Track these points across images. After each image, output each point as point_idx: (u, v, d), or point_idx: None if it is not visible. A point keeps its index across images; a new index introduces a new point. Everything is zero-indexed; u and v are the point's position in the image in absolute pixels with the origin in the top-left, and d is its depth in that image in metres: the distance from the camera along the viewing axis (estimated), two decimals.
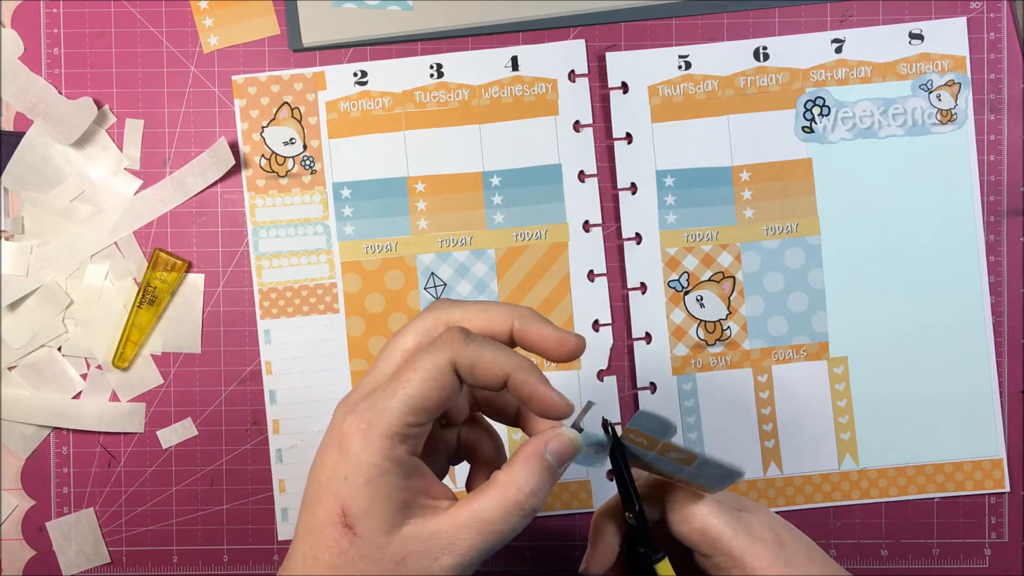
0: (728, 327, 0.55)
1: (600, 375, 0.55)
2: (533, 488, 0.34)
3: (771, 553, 0.37)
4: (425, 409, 0.34)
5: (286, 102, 0.54)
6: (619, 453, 0.37)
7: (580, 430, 0.36)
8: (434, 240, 0.55)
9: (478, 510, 0.34)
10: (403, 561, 0.34)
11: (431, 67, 0.54)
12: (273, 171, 0.55)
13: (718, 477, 0.37)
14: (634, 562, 0.39)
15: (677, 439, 0.54)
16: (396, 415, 0.34)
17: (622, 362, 0.55)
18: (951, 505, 0.55)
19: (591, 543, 0.40)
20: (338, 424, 0.35)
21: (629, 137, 0.54)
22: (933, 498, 0.55)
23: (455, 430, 0.39)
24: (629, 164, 0.54)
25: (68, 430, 0.55)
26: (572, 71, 0.54)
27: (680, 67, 0.54)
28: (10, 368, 0.54)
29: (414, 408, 0.34)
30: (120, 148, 0.55)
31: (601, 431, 0.37)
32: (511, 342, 0.37)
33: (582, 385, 0.55)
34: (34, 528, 0.55)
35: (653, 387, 0.55)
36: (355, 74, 0.54)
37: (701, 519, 0.38)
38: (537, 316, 0.37)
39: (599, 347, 0.55)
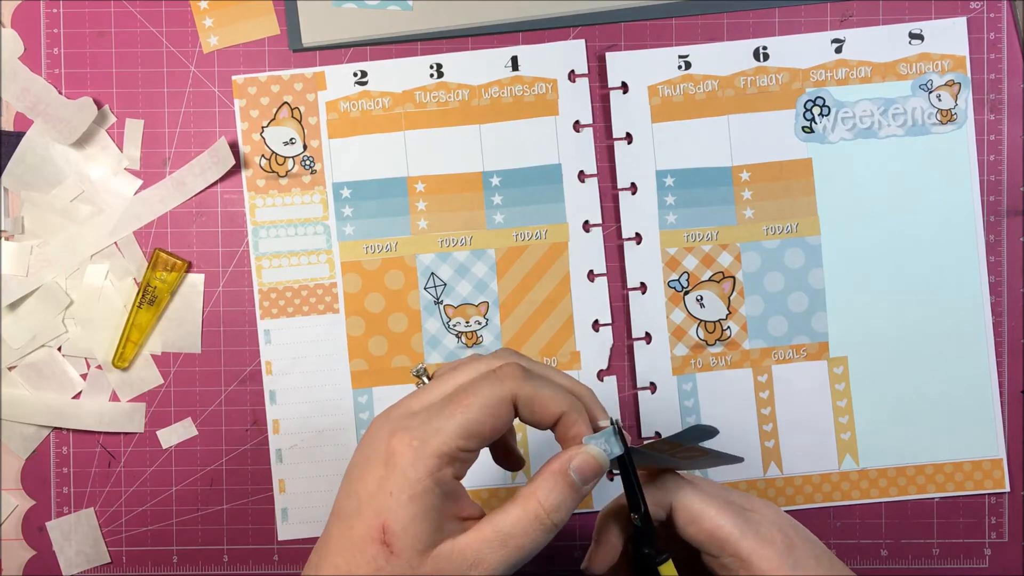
0: (728, 327, 0.55)
1: (600, 375, 0.55)
2: (554, 504, 0.35)
3: (780, 555, 0.37)
4: (479, 435, 0.35)
5: (286, 102, 0.54)
6: (626, 456, 0.37)
7: (624, 440, 0.37)
8: (434, 240, 0.55)
9: (501, 526, 0.35)
10: None
11: (431, 67, 0.54)
12: (273, 171, 0.55)
13: (719, 462, 0.39)
14: (639, 563, 0.39)
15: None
16: (450, 437, 0.35)
17: (622, 362, 0.55)
18: (951, 505, 0.55)
19: (594, 541, 0.40)
20: (383, 440, 0.35)
21: (629, 137, 0.54)
22: (933, 498, 0.55)
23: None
24: (629, 164, 0.54)
25: (68, 430, 0.55)
26: (572, 71, 0.54)
27: (680, 67, 0.54)
28: (10, 368, 0.54)
29: (469, 433, 0.35)
30: (120, 148, 0.55)
31: (619, 449, 0.37)
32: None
33: None
34: (34, 528, 0.55)
35: (653, 387, 0.55)
36: (355, 74, 0.54)
37: (709, 520, 0.38)
38: (537, 381, 0.37)
39: (599, 347, 0.55)
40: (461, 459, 0.35)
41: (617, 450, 0.37)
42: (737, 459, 0.40)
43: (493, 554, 0.35)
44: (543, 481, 0.36)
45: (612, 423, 0.37)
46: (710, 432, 0.38)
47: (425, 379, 0.40)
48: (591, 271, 0.55)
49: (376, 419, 0.37)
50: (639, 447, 0.38)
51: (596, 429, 0.38)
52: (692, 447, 0.38)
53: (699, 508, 0.38)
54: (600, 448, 0.36)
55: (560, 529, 0.36)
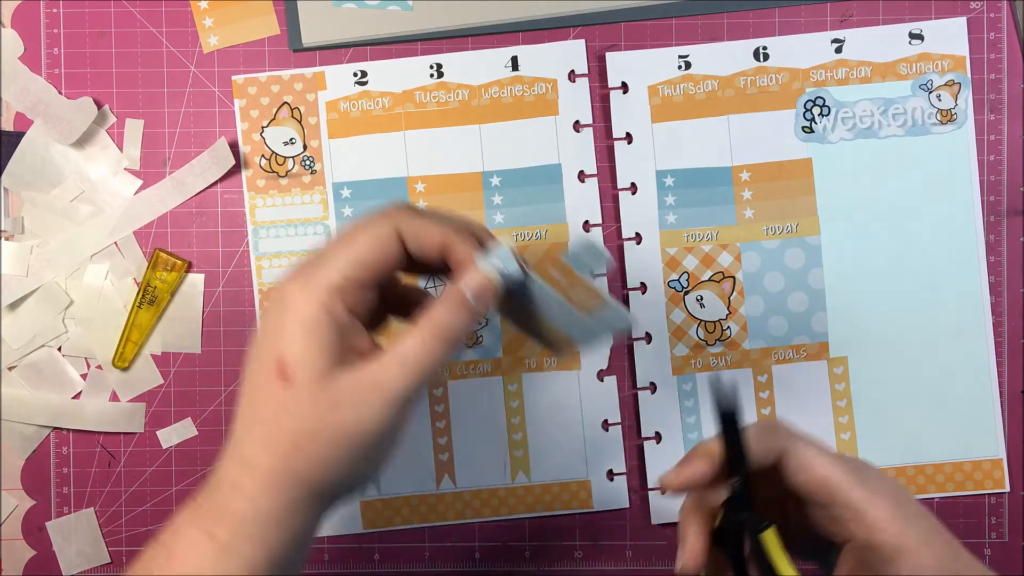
0: (728, 327, 0.55)
1: (600, 375, 0.55)
2: (450, 322, 0.36)
3: (892, 507, 0.37)
4: (366, 264, 0.36)
5: (286, 102, 0.54)
6: (734, 416, 0.37)
7: (525, 272, 0.37)
8: None
9: (399, 350, 0.36)
10: (335, 406, 0.35)
11: (431, 67, 0.54)
12: (273, 171, 0.55)
13: (605, 328, 0.38)
14: (731, 536, 0.38)
15: (676, 437, 0.54)
16: (337, 268, 0.36)
17: (622, 362, 0.55)
18: (951, 505, 0.55)
19: (681, 540, 0.39)
20: (277, 292, 0.37)
21: (629, 137, 0.54)
22: (933, 498, 0.55)
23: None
24: (629, 164, 0.54)
25: (68, 430, 0.55)
26: (572, 71, 0.54)
27: (680, 67, 0.54)
28: (10, 368, 0.54)
29: (355, 262, 0.36)
30: (120, 148, 0.55)
31: (515, 269, 0.37)
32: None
33: (582, 385, 0.55)
34: (34, 528, 0.55)
35: (653, 387, 0.55)
36: (355, 74, 0.54)
37: (822, 468, 0.37)
38: (423, 215, 0.38)
39: (599, 347, 0.55)
40: (351, 291, 0.36)
41: (511, 267, 0.37)
42: (627, 321, 0.39)
43: (394, 378, 0.36)
44: (439, 305, 0.37)
45: (507, 248, 0.38)
46: (620, 319, 0.38)
47: None
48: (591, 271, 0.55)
49: (289, 280, 0.38)
50: (533, 275, 0.38)
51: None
52: (588, 287, 0.38)
53: (811, 455, 0.37)
54: (491, 266, 0.37)
55: (457, 348, 0.36)
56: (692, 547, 0.39)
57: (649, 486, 0.54)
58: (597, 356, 0.55)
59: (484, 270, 0.37)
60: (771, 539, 0.37)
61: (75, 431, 0.55)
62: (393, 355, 0.36)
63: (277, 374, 0.36)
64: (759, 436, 0.38)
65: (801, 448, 0.38)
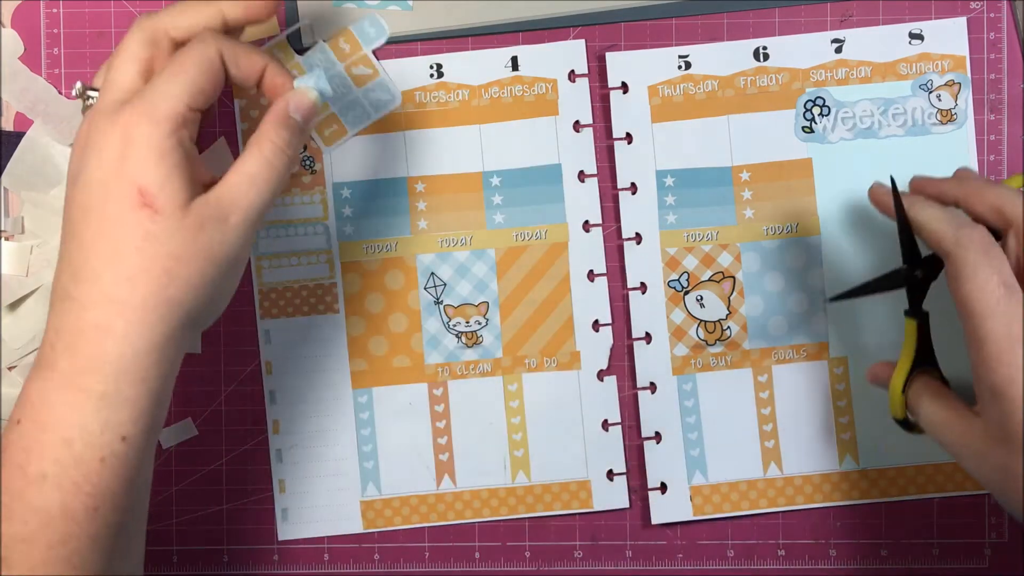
0: (728, 327, 0.55)
1: (600, 375, 0.55)
2: (285, 139, 0.40)
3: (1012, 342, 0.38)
4: (203, 93, 0.38)
5: None
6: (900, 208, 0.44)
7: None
8: (434, 240, 0.55)
9: (245, 168, 0.39)
10: (200, 227, 0.37)
11: (431, 67, 0.54)
12: None
13: (374, 102, 0.44)
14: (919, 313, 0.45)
15: (676, 437, 0.54)
16: (179, 98, 0.37)
17: (622, 362, 0.55)
18: (951, 505, 0.55)
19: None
20: (106, 124, 0.37)
21: (629, 137, 0.54)
22: (933, 498, 0.55)
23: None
24: (629, 164, 0.54)
25: None
26: (572, 71, 0.54)
27: (680, 67, 0.54)
28: (10, 368, 0.54)
29: (194, 92, 0.38)
30: None
31: (320, 83, 0.42)
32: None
33: (582, 385, 0.55)
34: None
35: (653, 387, 0.55)
36: None
37: (994, 197, 0.42)
38: (235, 40, 0.41)
39: (599, 347, 0.55)
40: (192, 119, 0.38)
41: (327, 90, 0.42)
42: (394, 97, 0.46)
43: (247, 195, 0.38)
44: (269, 126, 0.40)
45: (322, 69, 0.42)
46: (387, 93, 0.43)
47: (90, 94, 0.41)
48: (591, 271, 0.55)
49: (84, 121, 0.39)
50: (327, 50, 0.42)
51: None
52: (368, 61, 0.42)
53: (985, 191, 0.42)
54: (309, 87, 0.41)
55: (294, 166, 0.40)
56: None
57: (649, 486, 0.54)
58: (597, 356, 0.55)
59: (302, 89, 0.41)
60: (909, 329, 0.45)
61: None
62: (241, 175, 0.39)
63: (139, 204, 0.36)
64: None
65: (975, 187, 0.43)
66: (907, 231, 0.45)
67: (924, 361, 0.47)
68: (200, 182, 0.39)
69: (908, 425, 0.48)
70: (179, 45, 0.40)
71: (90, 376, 0.36)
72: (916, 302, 0.47)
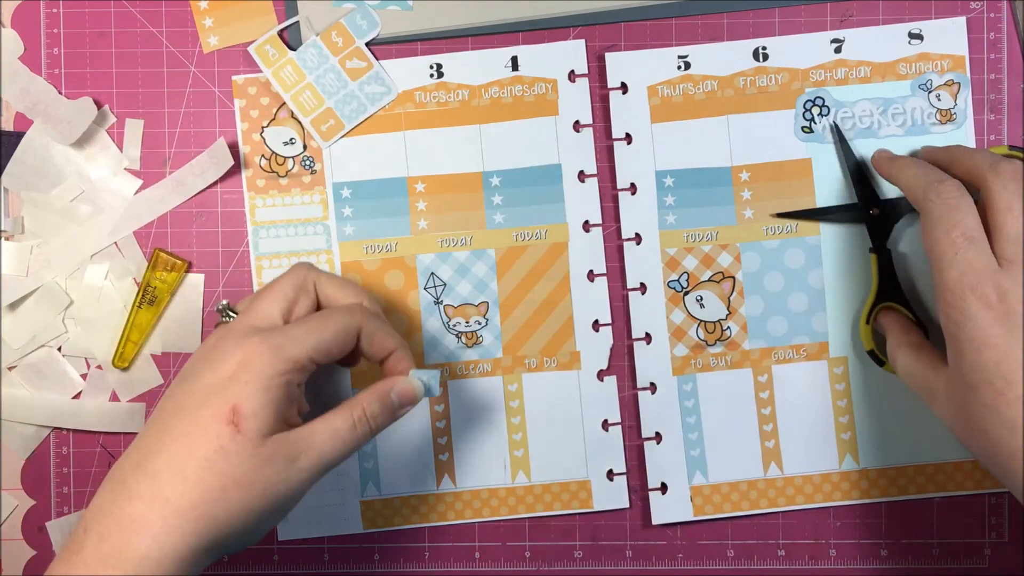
0: (728, 327, 0.55)
1: (600, 375, 0.55)
2: (374, 413, 0.43)
3: (963, 300, 0.41)
4: (327, 353, 0.42)
5: (286, 102, 0.54)
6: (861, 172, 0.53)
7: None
8: (434, 240, 0.55)
9: (332, 422, 0.41)
10: (270, 460, 0.39)
11: (431, 67, 0.54)
12: (273, 171, 0.55)
13: (369, 100, 0.48)
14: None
15: (676, 437, 0.54)
16: (307, 348, 0.41)
17: (622, 362, 0.55)
18: (951, 505, 0.55)
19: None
20: (234, 345, 0.40)
21: (629, 137, 0.54)
22: (933, 498, 0.55)
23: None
24: (629, 164, 0.54)
25: (68, 430, 0.55)
26: (572, 71, 0.54)
27: (679, 67, 0.54)
28: (10, 368, 0.54)
29: (322, 349, 0.41)
30: (120, 148, 0.55)
31: (437, 390, 0.46)
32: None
33: (582, 385, 0.55)
34: (34, 528, 0.55)
35: (653, 387, 0.55)
36: None
37: (969, 159, 0.46)
38: (378, 320, 0.45)
39: (599, 347, 0.55)
40: (308, 370, 0.41)
41: (435, 391, 0.45)
42: (389, 93, 0.49)
43: (323, 444, 0.41)
44: (369, 394, 0.43)
45: (442, 371, 0.46)
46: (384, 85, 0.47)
47: (231, 313, 0.45)
48: (591, 271, 0.55)
49: (216, 337, 0.42)
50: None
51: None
52: (364, 56, 0.46)
53: (944, 223, 0.43)
54: (420, 382, 0.45)
55: (375, 435, 0.43)
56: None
57: (649, 486, 0.54)
58: (597, 356, 0.55)
59: (413, 382, 0.45)
60: (872, 265, 0.52)
61: (75, 431, 0.55)
62: (326, 427, 0.41)
63: (228, 420, 0.38)
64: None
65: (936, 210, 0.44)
66: (861, 174, 0.53)
67: (888, 296, 0.52)
68: (290, 424, 0.41)
69: (877, 358, 0.53)
70: (320, 303, 0.46)
71: (110, 568, 0.37)
72: (876, 239, 0.53)
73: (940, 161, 0.48)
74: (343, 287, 0.46)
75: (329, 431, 0.41)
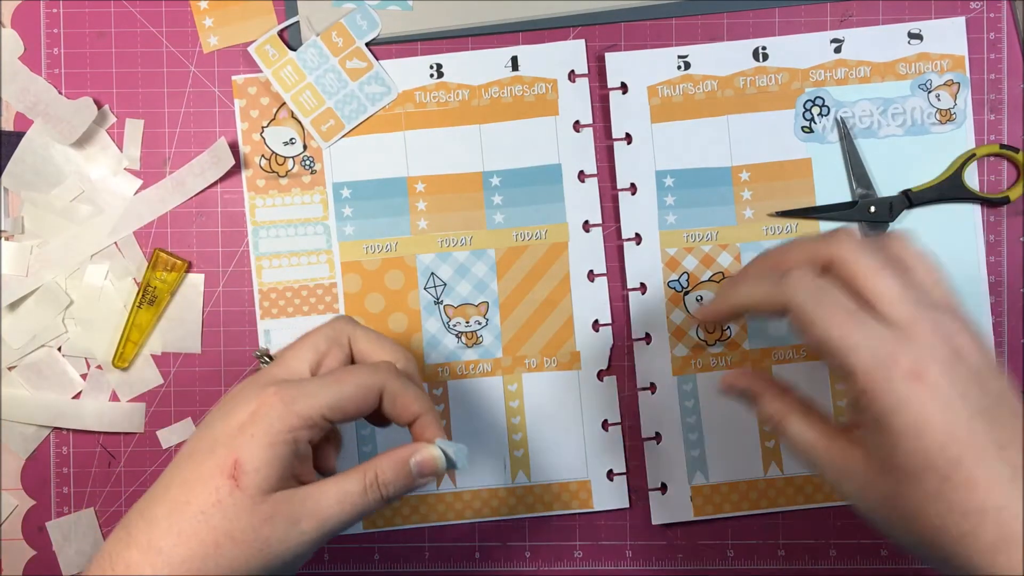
0: (728, 327, 0.55)
1: (600, 375, 0.55)
2: (390, 480, 0.40)
3: (892, 382, 0.34)
4: (343, 411, 0.39)
5: (286, 102, 0.54)
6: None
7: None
8: (434, 240, 0.55)
9: (342, 485, 0.39)
10: (269, 519, 0.37)
11: (431, 67, 0.54)
12: (273, 171, 0.55)
13: (369, 100, 0.48)
14: None
15: (676, 437, 0.54)
16: (320, 404, 0.38)
17: (622, 362, 0.55)
18: None
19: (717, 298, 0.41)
20: (253, 393, 0.39)
21: (629, 137, 0.54)
22: None
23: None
24: (629, 164, 0.54)
25: (68, 430, 0.55)
26: (572, 71, 0.54)
27: (679, 67, 0.54)
28: (10, 368, 0.54)
29: (336, 406, 0.39)
30: (120, 148, 0.55)
31: (464, 464, 0.42)
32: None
33: (582, 385, 0.55)
34: (34, 528, 0.55)
35: (653, 387, 0.55)
36: None
37: (820, 328, 0.36)
38: (404, 381, 0.41)
39: (599, 347, 0.55)
40: (320, 427, 0.39)
41: (460, 464, 0.41)
42: (389, 93, 0.48)
43: (329, 507, 0.38)
44: (387, 460, 0.40)
45: (466, 449, 0.42)
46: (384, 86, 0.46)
47: (267, 359, 0.44)
48: (591, 271, 0.55)
49: (241, 384, 0.40)
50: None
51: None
52: (363, 55, 0.45)
53: (810, 315, 0.36)
54: (443, 453, 0.41)
55: (388, 503, 0.40)
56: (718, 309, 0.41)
57: (649, 486, 0.54)
58: (597, 356, 0.55)
59: (435, 453, 0.41)
60: None
61: (75, 431, 0.55)
62: (335, 489, 0.39)
63: (228, 473, 0.37)
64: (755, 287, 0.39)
65: (800, 304, 0.36)
66: (861, 172, 0.52)
67: None
68: (301, 480, 0.39)
69: None
70: (354, 358, 0.43)
71: None
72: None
73: (767, 264, 0.41)
74: (378, 343, 0.43)
75: (338, 494, 0.39)
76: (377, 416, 0.42)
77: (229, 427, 0.38)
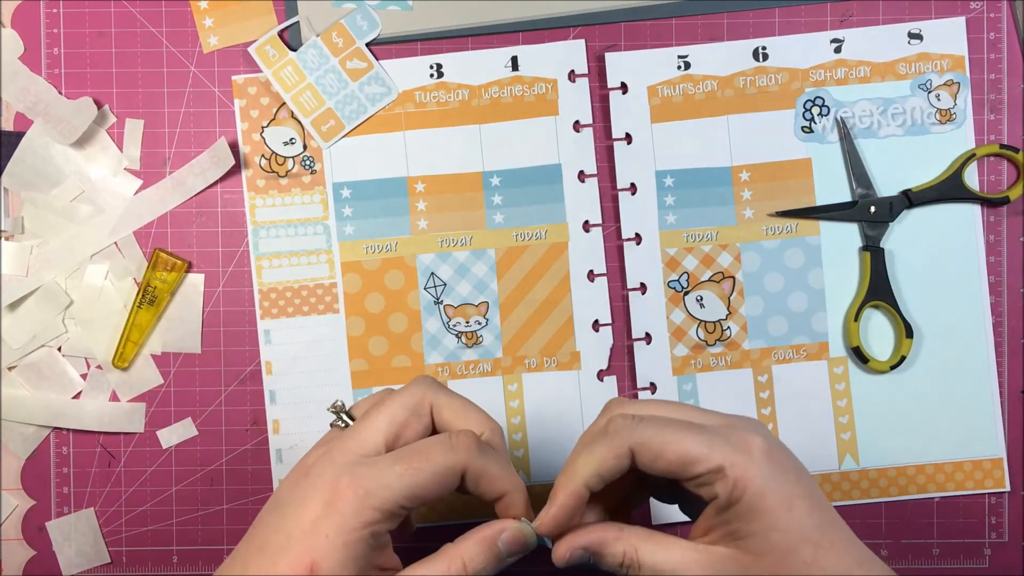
0: (728, 327, 0.55)
1: (600, 375, 0.55)
2: (477, 567, 0.37)
3: (756, 462, 0.36)
4: (423, 499, 0.37)
5: (286, 102, 0.54)
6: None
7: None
8: (434, 240, 0.55)
9: (430, 571, 0.37)
10: None
11: (431, 67, 0.54)
12: (273, 171, 0.55)
13: (369, 100, 0.47)
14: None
15: None
16: (396, 495, 0.36)
17: (622, 362, 0.55)
18: (951, 505, 0.55)
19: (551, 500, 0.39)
20: (327, 481, 0.36)
21: (629, 137, 0.54)
22: (933, 498, 0.55)
23: None
24: (629, 164, 0.54)
25: (68, 430, 0.55)
26: (572, 71, 0.54)
27: (679, 67, 0.54)
28: (10, 368, 0.54)
29: (414, 496, 0.36)
30: (120, 148, 0.55)
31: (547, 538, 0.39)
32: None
33: (582, 385, 0.55)
34: (34, 528, 0.55)
35: (653, 387, 0.55)
36: None
37: (673, 448, 0.36)
38: (488, 456, 0.38)
39: (599, 347, 0.55)
40: (398, 516, 0.37)
41: (549, 543, 0.39)
42: (389, 93, 0.47)
43: None
44: (472, 544, 0.37)
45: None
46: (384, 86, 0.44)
47: (345, 417, 0.41)
48: (591, 271, 0.55)
49: (315, 456, 0.38)
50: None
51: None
52: (363, 55, 0.43)
53: (659, 441, 0.36)
54: (534, 529, 0.38)
55: None
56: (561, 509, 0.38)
57: None
58: (597, 356, 0.55)
59: (525, 529, 0.38)
60: (863, 262, 0.52)
61: (75, 431, 0.55)
62: (422, 573, 0.37)
63: (305, 568, 0.35)
64: (600, 443, 0.37)
65: (645, 436, 0.36)
66: (861, 171, 0.53)
67: (878, 294, 0.53)
68: (381, 567, 0.38)
69: (862, 356, 0.53)
70: (436, 427, 0.40)
71: None
72: (870, 237, 0.53)
73: (580, 448, 0.40)
74: (462, 412, 0.40)
75: None
76: (459, 488, 0.39)
77: (303, 521, 0.36)
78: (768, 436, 0.37)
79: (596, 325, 0.55)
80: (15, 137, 0.54)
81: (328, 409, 0.42)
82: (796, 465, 0.38)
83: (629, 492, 0.41)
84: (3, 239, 0.54)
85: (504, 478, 0.38)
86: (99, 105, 0.54)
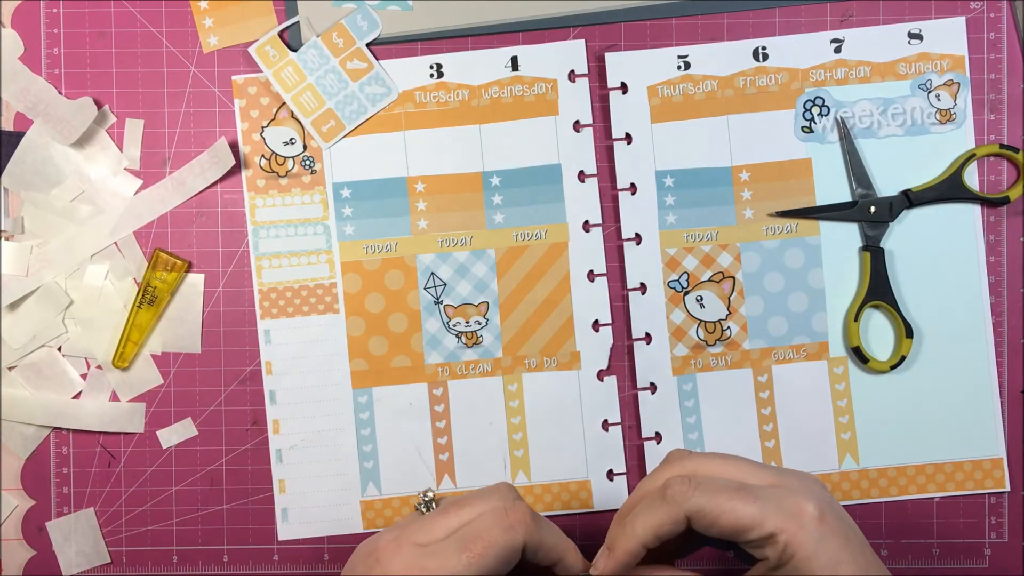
0: (728, 327, 0.55)
1: (600, 375, 0.55)
2: None
3: (804, 527, 0.37)
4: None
5: (286, 102, 0.54)
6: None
7: None
8: (434, 240, 0.55)
9: None
10: None
11: (431, 67, 0.54)
12: (273, 171, 0.55)
13: (369, 101, 0.48)
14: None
15: (676, 437, 0.54)
16: None
17: (622, 362, 0.55)
18: (951, 505, 0.55)
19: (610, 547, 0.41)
20: (396, 570, 0.38)
21: (629, 137, 0.54)
22: (933, 498, 0.55)
23: None
24: (629, 164, 0.54)
25: (68, 430, 0.55)
26: (572, 71, 0.54)
27: (679, 67, 0.54)
28: (10, 368, 0.54)
29: None
30: (120, 148, 0.55)
31: None
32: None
33: (582, 385, 0.55)
34: (34, 528, 0.55)
35: (653, 387, 0.55)
36: None
37: (727, 517, 0.38)
38: (545, 522, 0.41)
39: (599, 347, 0.55)
40: None
41: None
42: (390, 94, 0.47)
43: None
44: None
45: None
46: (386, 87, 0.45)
47: (433, 506, 0.43)
48: (591, 271, 0.55)
49: (386, 541, 0.40)
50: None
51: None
52: (364, 56, 0.43)
53: (714, 509, 0.38)
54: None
55: None
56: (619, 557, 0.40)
57: None
58: (597, 356, 0.55)
59: None
60: (863, 262, 0.52)
61: (75, 431, 0.55)
62: None
63: None
64: (656, 508, 0.39)
65: (699, 505, 0.38)
66: (861, 171, 0.53)
67: (877, 294, 0.53)
68: None
69: (862, 356, 0.53)
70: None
71: None
72: (870, 237, 0.53)
73: (639, 499, 0.42)
74: (551, 542, 0.41)
75: None
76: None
77: None
78: (821, 498, 0.39)
79: (596, 325, 0.55)
80: (15, 137, 0.54)
81: (419, 494, 0.44)
82: (846, 528, 0.39)
83: (682, 542, 0.42)
84: (3, 239, 0.54)
85: (559, 544, 0.41)
86: (99, 105, 0.54)
